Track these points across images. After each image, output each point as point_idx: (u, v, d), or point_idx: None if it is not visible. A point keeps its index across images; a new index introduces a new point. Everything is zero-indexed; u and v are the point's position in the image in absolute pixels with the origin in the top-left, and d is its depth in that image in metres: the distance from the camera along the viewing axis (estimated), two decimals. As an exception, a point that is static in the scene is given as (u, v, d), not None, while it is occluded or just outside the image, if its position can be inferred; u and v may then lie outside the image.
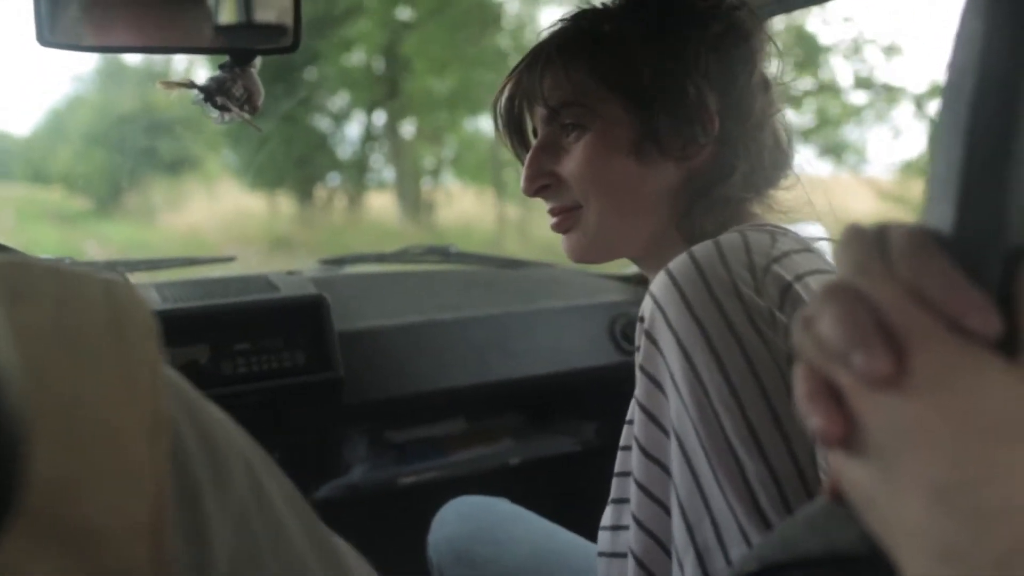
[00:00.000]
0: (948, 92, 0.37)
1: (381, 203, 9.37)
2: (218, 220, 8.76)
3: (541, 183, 1.01)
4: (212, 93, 1.12)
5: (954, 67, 0.37)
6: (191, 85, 1.13)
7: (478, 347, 1.90)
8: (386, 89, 8.38)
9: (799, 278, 0.80)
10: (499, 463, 2.06)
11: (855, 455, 0.36)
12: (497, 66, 7.86)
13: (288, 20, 1.11)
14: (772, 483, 0.70)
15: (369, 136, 9.03)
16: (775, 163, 0.99)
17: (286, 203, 9.08)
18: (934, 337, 0.34)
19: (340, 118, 8.77)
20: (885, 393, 0.34)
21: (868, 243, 0.38)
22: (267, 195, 8.88)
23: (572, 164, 0.98)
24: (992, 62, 0.36)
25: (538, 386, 2.00)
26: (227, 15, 1.16)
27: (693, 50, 0.94)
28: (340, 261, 2.11)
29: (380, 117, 8.91)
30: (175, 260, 1.90)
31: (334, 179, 9.34)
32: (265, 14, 1.14)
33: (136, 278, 1.71)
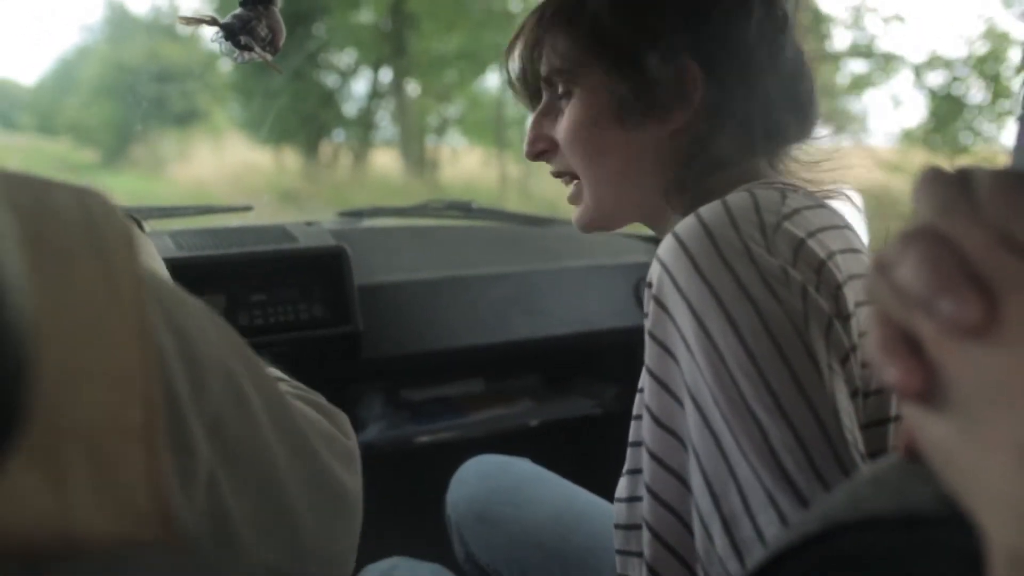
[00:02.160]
0: None
1: (386, 160, 9.55)
2: (225, 173, 8.92)
3: (539, 148, 1.01)
4: (235, 31, 1.08)
5: None
6: (212, 22, 1.08)
7: (498, 305, 1.87)
8: (393, 47, 8.49)
9: (811, 234, 0.77)
10: (518, 424, 2.04)
11: (935, 410, 0.33)
12: (504, 27, 7.94)
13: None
14: (798, 447, 0.67)
15: (376, 93, 9.20)
16: (786, 121, 0.94)
17: (292, 158, 9.27)
18: None
19: (347, 75, 8.97)
20: (972, 343, 0.32)
21: (952, 184, 0.35)
22: (274, 149, 9.04)
23: (562, 130, 0.97)
24: None
25: (559, 347, 1.98)
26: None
27: (675, 8, 0.91)
28: (359, 214, 2.08)
29: (387, 75, 9.11)
30: (190, 208, 1.87)
31: (340, 135, 9.53)
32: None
33: (151, 225, 1.68)
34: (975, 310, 0.31)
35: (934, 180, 0.36)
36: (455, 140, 9.56)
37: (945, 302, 0.32)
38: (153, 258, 0.84)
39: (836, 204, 0.90)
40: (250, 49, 1.08)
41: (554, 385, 2.21)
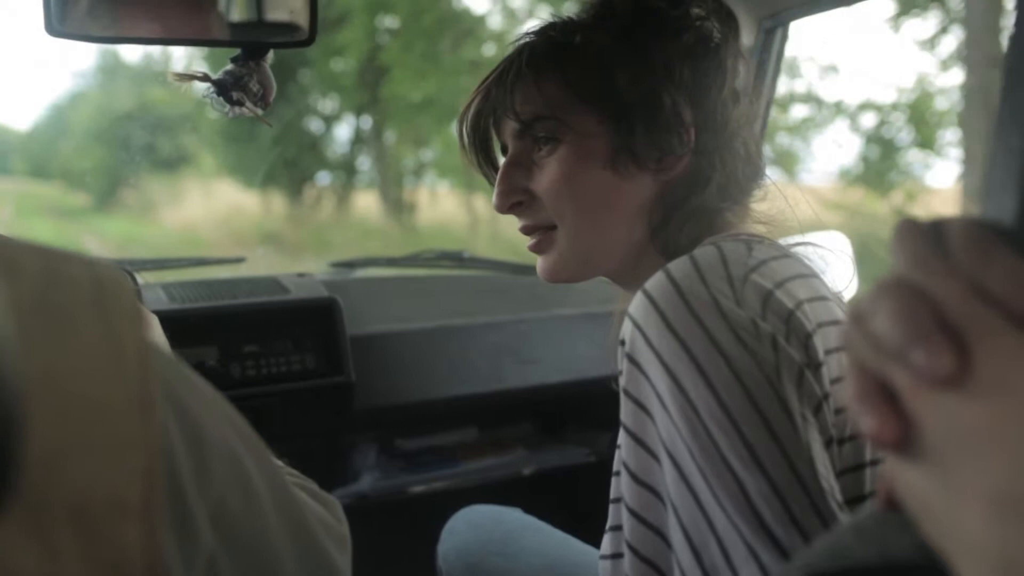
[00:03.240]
0: (1009, 78, 0.35)
1: (368, 203, 9.85)
2: (213, 217, 9.09)
3: (514, 199, 0.99)
4: (227, 87, 1.09)
5: (1014, 49, 0.35)
6: (204, 78, 1.10)
7: (491, 354, 1.87)
8: (370, 95, 8.79)
9: (779, 285, 0.78)
10: (511, 473, 2.03)
11: (911, 459, 0.34)
12: (474, 74, 8.13)
13: (303, 14, 1.08)
14: (775, 497, 0.68)
15: (358, 139, 9.58)
16: (747, 173, 0.97)
17: (278, 201, 9.55)
18: (1000, 334, 0.32)
19: (330, 120, 9.30)
20: (945, 394, 0.32)
21: (925, 237, 0.36)
22: (261, 193, 9.30)
23: (546, 179, 0.96)
24: None
25: (552, 395, 1.98)
26: (241, 10, 1.14)
27: (666, 60, 0.93)
28: (351, 264, 2.09)
29: (367, 121, 9.46)
30: (183, 260, 1.88)
31: (323, 179, 9.87)
32: (279, 10, 1.12)
33: (144, 277, 1.69)
34: (948, 361, 0.32)
35: (909, 232, 0.36)
36: (433, 183, 9.89)
37: (918, 353, 0.32)
38: (148, 314, 0.84)
39: (803, 251, 0.92)
40: (242, 104, 1.10)
41: (548, 433, 2.20)
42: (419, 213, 9.60)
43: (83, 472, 0.39)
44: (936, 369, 0.32)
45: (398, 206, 9.47)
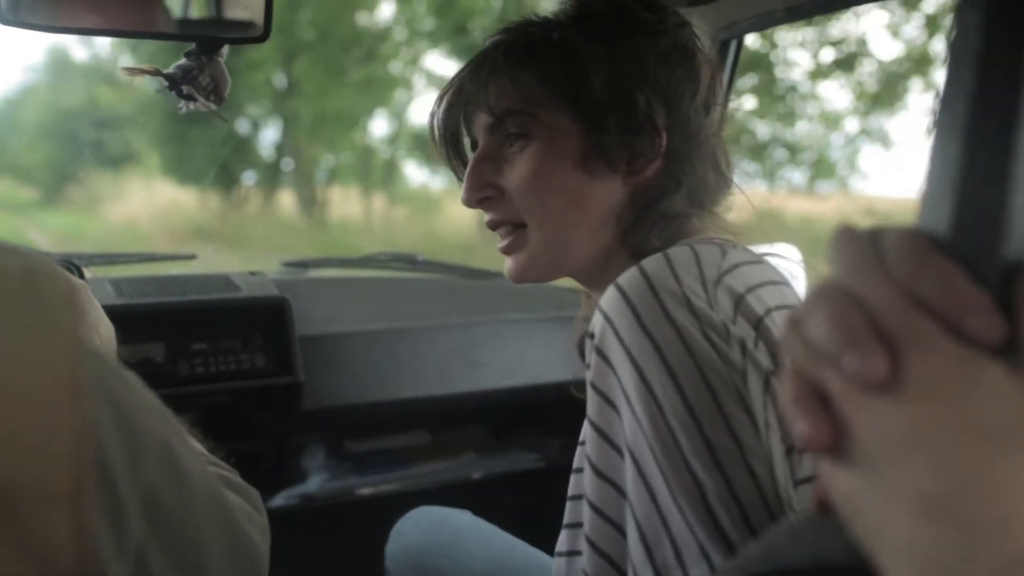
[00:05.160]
0: (946, 88, 0.36)
1: (291, 201, 10.70)
2: (153, 213, 9.57)
3: (483, 194, 0.99)
4: (177, 82, 1.08)
5: (952, 60, 0.35)
6: (156, 72, 1.09)
7: (442, 358, 1.87)
8: (285, 105, 9.54)
9: (750, 290, 0.78)
10: (461, 477, 2.02)
11: (843, 463, 0.34)
12: (378, 91, 9.29)
13: (258, 10, 1.08)
14: (732, 501, 0.68)
15: (281, 142, 10.35)
16: (717, 181, 0.98)
17: (211, 199, 10.04)
18: (930, 341, 0.32)
19: (256, 124, 9.88)
20: (876, 398, 0.33)
21: (862, 243, 0.36)
22: (198, 191, 9.72)
23: (515, 176, 0.96)
24: (992, 55, 0.34)
25: (503, 400, 1.98)
26: (197, 4, 1.13)
27: (642, 62, 0.93)
28: (304, 264, 2.07)
29: (283, 127, 10.25)
30: (133, 255, 1.85)
31: (250, 178, 10.49)
32: (235, 6, 1.11)
33: (92, 272, 1.66)
34: (879, 366, 0.32)
35: (846, 239, 0.37)
36: (344, 184, 10.74)
37: (850, 357, 0.33)
38: (95, 308, 0.83)
39: (774, 260, 0.92)
40: (192, 99, 1.08)
41: (498, 438, 2.19)
42: (330, 210, 10.35)
43: (10, 458, 0.39)
44: (867, 374, 0.32)
45: (311, 204, 10.29)
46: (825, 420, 0.34)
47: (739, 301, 0.77)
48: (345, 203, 10.37)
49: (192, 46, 1.08)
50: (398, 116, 9.89)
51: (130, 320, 1.45)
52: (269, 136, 10.30)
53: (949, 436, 0.31)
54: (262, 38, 1.11)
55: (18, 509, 0.38)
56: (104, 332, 0.83)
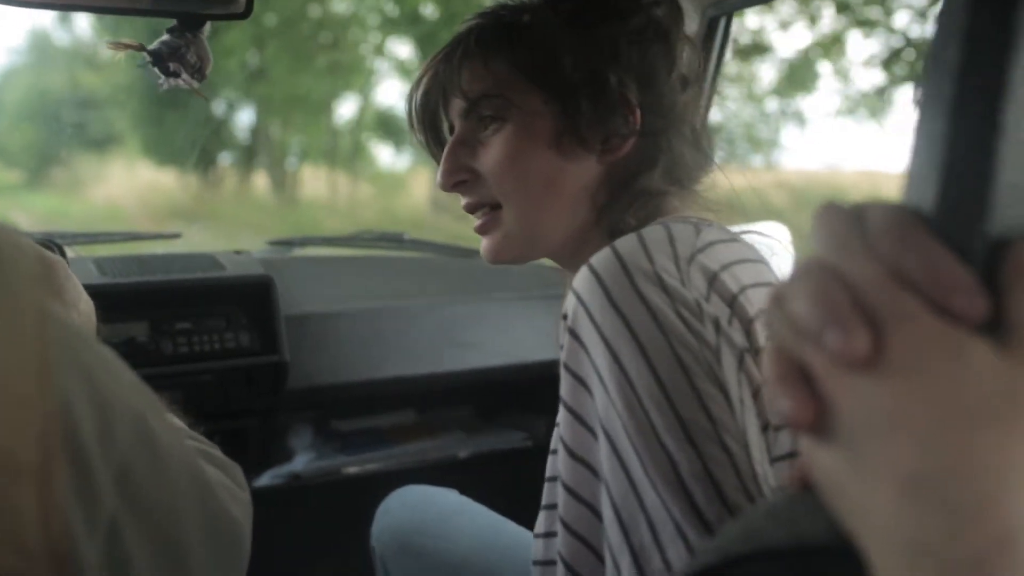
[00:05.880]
0: (931, 62, 0.35)
1: (264, 181, 11.35)
2: (134, 194, 10.00)
3: (458, 178, 0.99)
4: (164, 58, 1.07)
5: (938, 36, 0.35)
6: (140, 48, 1.07)
7: (429, 337, 1.86)
8: (255, 89, 9.88)
9: (724, 267, 0.78)
10: (447, 455, 2.02)
11: (825, 441, 0.34)
12: (340, 76, 9.80)
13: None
14: (707, 479, 0.68)
15: (256, 124, 10.84)
16: (695, 159, 0.98)
17: (189, 179, 10.38)
18: (914, 318, 0.32)
19: (231, 106, 10.18)
20: (859, 376, 0.32)
21: (846, 220, 0.36)
22: (177, 171, 10.09)
23: (490, 159, 0.95)
24: (978, 30, 0.34)
25: (490, 379, 1.98)
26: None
27: (613, 42, 0.93)
28: (289, 243, 2.07)
29: (255, 110, 10.77)
30: (117, 234, 1.84)
31: (226, 159, 10.99)
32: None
33: (75, 251, 1.65)
34: (862, 343, 0.32)
35: (829, 215, 0.36)
36: (313, 164, 11.37)
37: (833, 334, 0.32)
38: (74, 286, 0.82)
39: (751, 238, 0.92)
40: (177, 75, 1.07)
41: (484, 417, 2.20)
42: (301, 190, 10.93)
43: None
44: (850, 351, 0.32)
45: (281, 184, 10.86)
46: (807, 398, 0.34)
47: (713, 279, 0.76)
48: (315, 183, 10.90)
49: (173, 23, 1.07)
50: (364, 99, 10.36)
51: (113, 299, 1.44)
52: (244, 119, 10.71)
53: (933, 414, 0.31)
54: (244, 15, 1.10)
55: None
56: (84, 309, 0.82)
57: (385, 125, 9.92)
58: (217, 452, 0.71)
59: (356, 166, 10.51)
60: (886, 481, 0.31)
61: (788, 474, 0.40)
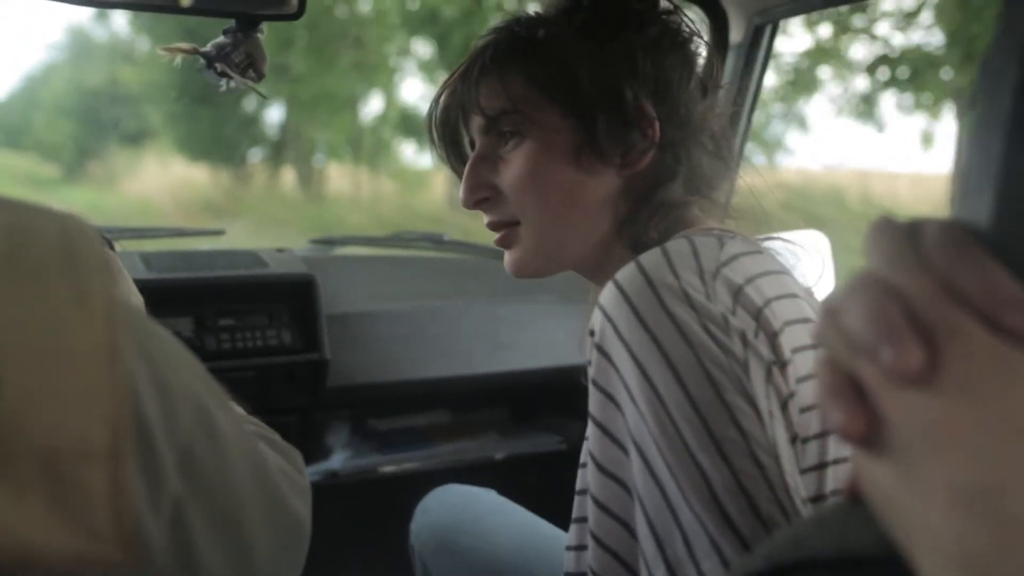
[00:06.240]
0: (988, 79, 0.35)
1: (292, 177, 11.77)
2: (166, 188, 10.37)
3: (480, 195, 0.98)
4: (212, 60, 1.08)
5: (996, 53, 0.35)
6: (193, 51, 1.09)
7: (466, 338, 1.87)
8: (281, 86, 10.07)
9: (749, 280, 0.78)
10: (483, 456, 2.03)
11: (877, 453, 0.34)
12: (360, 76, 10.30)
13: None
14: (740, 492, 0.68)
15: (284, 122, 11.27)
16: (715, 167, 0.97)
17: (220, 174, 11.05)
18: (968, 334, 0.32)
19: (261, 103, 10.50)
20: (913, 390, 0.32)
21: (900, 234, 0.36)
22: (209, 167, 10.85)
23: (510, 174, 0.95)
24: None
25: (526, 381, 1.98)
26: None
27: (630, 54, 0.92)
28: (330, 242, 2.08)
29: (282, 108, 11.12)
30: (163, 230, 1.87)
31: (256, 155, 11.55)
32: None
33: (122, 246, 1.68)
34: (916, 358, 0.32)
35: (884, 230, 0.36)
36: (341, 160, 11.72)
37: (887, 349, 0.33)
38: (126, 280, 0.84)
39: (773, 247, 0.92)
40: (228, 76, 1.09)
41: (520, 419, 2.20)
42: (327, 186, 11.30)
43: (51, 419, 0.39)
44: (904, 366, 0.32)
45: (308, 180, 11.19)
46: (860, 411, 0.34)
47: (738, 292, 0.76)
48: (341, 179, 11.24)
49: (231, 23, 1.09)
50: (388, 97, 10.76)
51: (159, 294, 1.46)
52: (274, 116, 11.03)
53: (985, 430, 0.31)
54: (296, 15, 1.11)
55: (59, 469, 0.39)
56: (134, 302, 0.83)
57: (408, 123, 10.20)
58: (277, 437, 0.72)
59: (380, 163, 10.77)
60: (937, 495, 0.31)
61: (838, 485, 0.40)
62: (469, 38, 8.55)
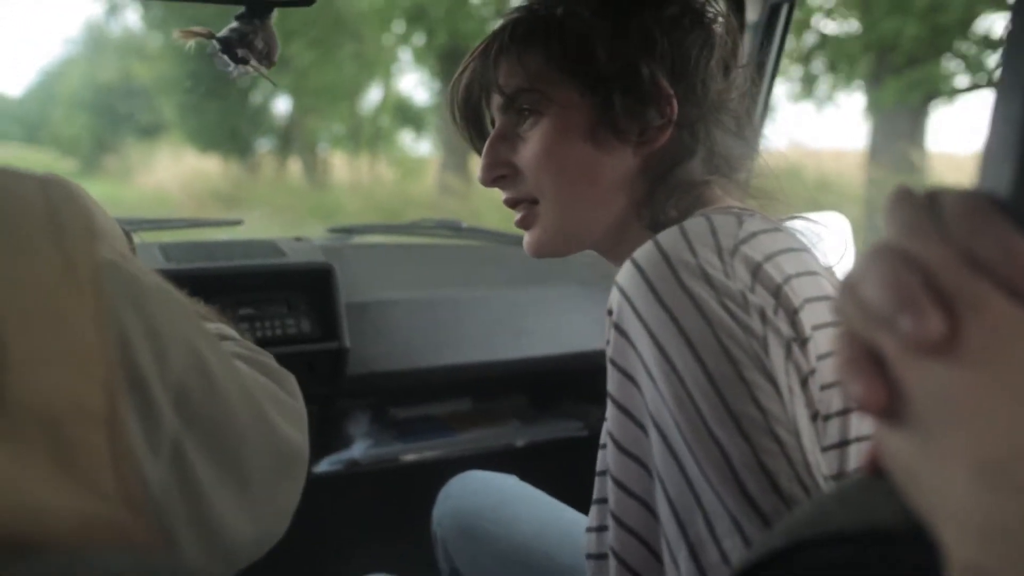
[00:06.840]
0: (1011, 47, 0.35)
1: (298, 167, 12.12)
2: (179, 180, 10.61)
3: (498, 172, 0.98)
4: (232, 45, 1.08)
5: (1018, 20, 0.34)
6: (209, 36, 1.09)
7: (486, 325, 1.87)
8: (287, 78, 10.30)
9: (768, 258, 0.77)
10: (504, 444, 2.03)
11: (897, 426, 0.34)
12: (358, 68, 10.59)
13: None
14: (760, 470, 0.67)
15: (290, 112, 11.62)
16: (736, 146, 0.96)
17: (230, 165, 11.43)
18: (989, 303, 0.32)
19: (268, 96, 10.98)
20: (932, 360, 0.32)
21: (919, 204, 0.35)
22: (219, 157, 11.21)
23: (528, 152, 0.95)
24: None
25: (546, 367, 1.97)
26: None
27: (648, 32, 0.92)
28: (349, 231, 2.08)
29: (287, 99, 11.45)
30: (180, 221, 1.87)
31: (264, 145, 11.94)
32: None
33: (140, 237, 1.68)
34: (936, 328, 0.32)
35: (902, 200, 0.36)
36: (344, 149, 12.05)
37: (906, 319, 0.32)
38: (108, 220, 0.84)
39: (796, 225, 0.91)
40: (247, 62, 1.09)
41: (540, 406, 2.20)
42: (331, 174, 11.63)
43: (49, 381, 0.40)
44: (923, 336, 0.32)
45: (313, 169, 11.58)
46: (880, 383, 0.34)
47: (757, 270, 0.76)
48: (345, 168, 11.62)
49: (241, 9, 1.08)
50: (386, 88, 10.98)
51: (178, 285, 1.46)
52: (281, 107, 11.41)
53: (1007, 400, 0.30)
54: (308, 1, 1.11)
55: (62, 432, 0.40)
56: (119, 247, 0.83)
57: (405, 111, 10.49)
58: (270, 360, 0.73)
59: (379, 150, 11.08)
60: (960, 466, 0.31)
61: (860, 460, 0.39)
62: (455, 31, 8.97)
